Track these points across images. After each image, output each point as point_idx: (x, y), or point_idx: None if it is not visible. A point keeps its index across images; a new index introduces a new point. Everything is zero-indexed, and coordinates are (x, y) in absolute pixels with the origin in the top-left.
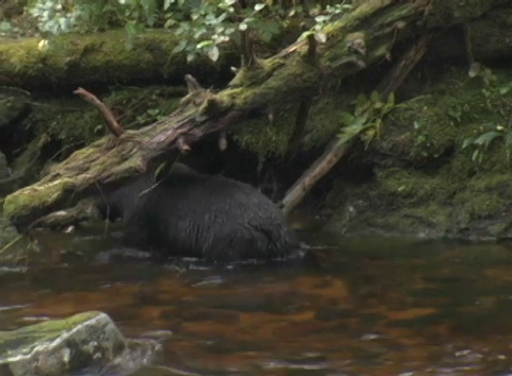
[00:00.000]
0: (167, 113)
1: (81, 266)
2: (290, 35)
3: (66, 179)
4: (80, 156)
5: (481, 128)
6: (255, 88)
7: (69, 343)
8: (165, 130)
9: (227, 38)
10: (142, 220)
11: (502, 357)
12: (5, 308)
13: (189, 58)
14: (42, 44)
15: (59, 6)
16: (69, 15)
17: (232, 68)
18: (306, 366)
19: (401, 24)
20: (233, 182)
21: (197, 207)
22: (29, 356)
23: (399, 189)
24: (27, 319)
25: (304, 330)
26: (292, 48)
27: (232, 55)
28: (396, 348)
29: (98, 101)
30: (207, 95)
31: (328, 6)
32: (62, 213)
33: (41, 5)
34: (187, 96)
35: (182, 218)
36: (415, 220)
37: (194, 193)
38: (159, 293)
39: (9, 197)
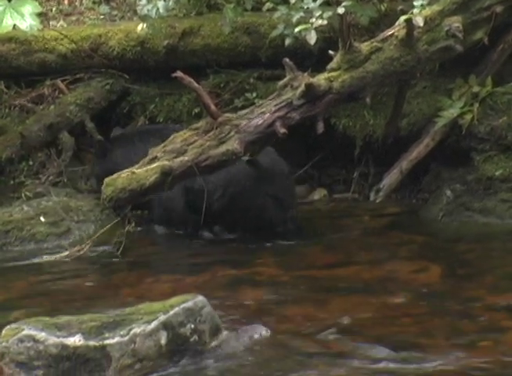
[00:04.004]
0: (264, 97)
1: (176, 248)
2: (387, 19)
3: (163, 162)
4: (178, 139)
5: None
6: (353, 72)
7: (166, 326)
8: (263, 113)
9: (325, 22)
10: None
11: None
12: (102, 290)
13: (287, 41)
14: (141, 27)
15: None
16: None
17: (330, 52)
18: (402, 350)
19: (499, 8)
20: None
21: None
22: (126, 338)
23: (497, 173)
24: (124, 301)
25: (398, 313)
26: (390, 31)
27: (330, 38)
28: (494, 330)
29: (195, 84)
30: (304, 79)
31: None
32: None
33: None
34: (284, 80)
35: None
36: None
37: None
38: (253, 275)
39: (107, 179)
